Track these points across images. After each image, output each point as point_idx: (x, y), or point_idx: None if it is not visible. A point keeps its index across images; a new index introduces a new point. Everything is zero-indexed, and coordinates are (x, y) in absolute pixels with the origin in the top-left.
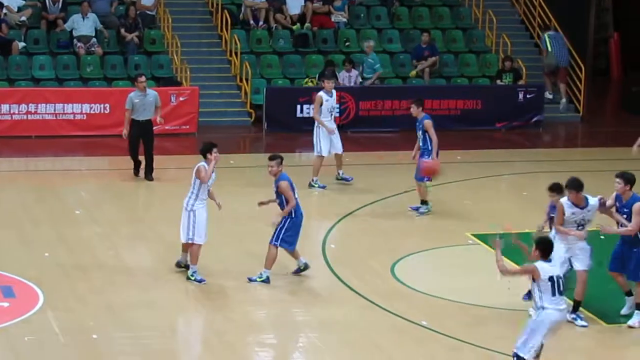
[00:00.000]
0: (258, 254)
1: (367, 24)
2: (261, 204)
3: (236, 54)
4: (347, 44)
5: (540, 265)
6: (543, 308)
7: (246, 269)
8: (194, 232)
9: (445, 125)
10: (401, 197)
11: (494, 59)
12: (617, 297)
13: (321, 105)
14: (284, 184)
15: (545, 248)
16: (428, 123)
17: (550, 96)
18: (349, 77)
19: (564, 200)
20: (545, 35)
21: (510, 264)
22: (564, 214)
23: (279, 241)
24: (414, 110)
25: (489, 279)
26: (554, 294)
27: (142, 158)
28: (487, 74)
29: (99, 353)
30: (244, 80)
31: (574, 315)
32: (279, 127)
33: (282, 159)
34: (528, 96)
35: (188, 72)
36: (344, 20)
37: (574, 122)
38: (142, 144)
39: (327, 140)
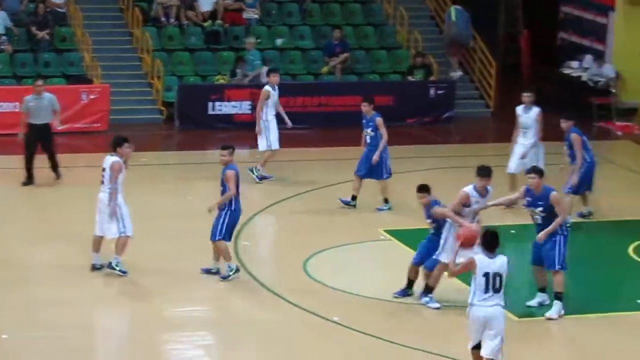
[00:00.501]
0: (170, 251)
1: (278, 20)
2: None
3: (147, 51)
4: (258, 40)
5: (480, 259)
6: (471, 305)
7: (160, 266)
8: (124, 225)
9: (357, 122)
10: (314, 193)
11: (405, 55)
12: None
13: (267, 99)
14: (229, 172)
15: (487, 241)
16: (380, 121)
17: (460, 73)
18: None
19: (469, 188)
20: (452, 8)
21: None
22: (466, 202)
23: (222, 235)
24: (366, 108)
25: (399, 274)
26: (486, 291)
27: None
28: (399, 70)
29: (7, 353)
30: (156, 78)
31: (426, 299)
32: (191, 124)
33: (233, 149)
34: (439, 92)
35: (99, 70)
36: (256, 16)
37: (485, 117)
38: (40, 147)
39: (276, 133)
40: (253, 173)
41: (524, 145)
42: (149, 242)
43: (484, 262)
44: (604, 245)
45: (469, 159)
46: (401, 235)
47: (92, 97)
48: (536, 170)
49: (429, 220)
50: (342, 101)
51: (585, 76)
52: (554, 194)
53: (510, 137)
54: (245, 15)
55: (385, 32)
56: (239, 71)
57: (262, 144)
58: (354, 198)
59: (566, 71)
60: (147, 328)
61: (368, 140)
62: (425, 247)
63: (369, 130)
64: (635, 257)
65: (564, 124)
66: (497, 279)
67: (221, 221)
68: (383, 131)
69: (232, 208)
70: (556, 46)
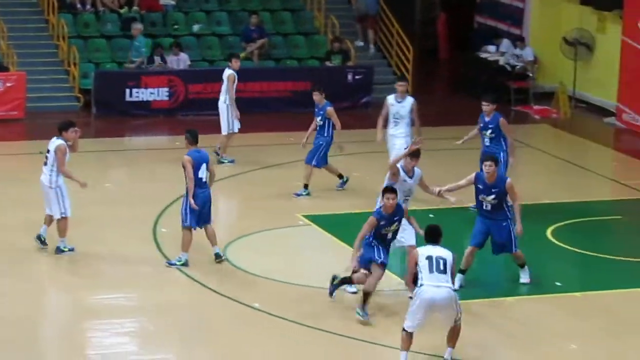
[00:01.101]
0: (89, 238)
1: (195, 6)
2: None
3: (63, 38)
4: (175, 27)
5: (421, 248)
6: (421, 285)
7: (80, 253)
8: (65, 206)
9: (275, 108)
10: (232, 179)
11: (323, 41)
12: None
13: (234, 82)
14: (185, 158)
15: (429, 233)
16: (331, 110)
17: (361, 43)
18: (177, 61)
19: (400, 164)
20: None
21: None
22: (396, 174)
23: (187, 221)
24: (317, 97)
25: (319, 259)
26: (431, 271)
27: None
28: (316, 55)
29: None
30: (72, 65)
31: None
32: (108, 111)
33: (189, 134)
34: (357, 77)
35: (15, 57)
36: (173, 3)
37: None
38: None
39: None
40: (223, 160)
41: (397, 135)
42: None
43: (424, 248)
44: (523, 229)
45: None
46: (320, 220)
47: (8, 84)
48: (493, 159)
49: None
50: (259, 87)
51: (502, 60)
52: (509, 181)
53: (428, 121)
54: (162, 1)
55: (303, 17)
56: (156, 58)
57: (226, 128)
58: (305, 186)
59: (483, 55)
60: (66, 317)
61: (318, 129)
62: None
63: (318, 119)
64: (553, 239)
65: (488, 107)
66: (441, 261)
67: (185, 208)
68: (335, 119)
69: (192, 194)
70: (473, 30)
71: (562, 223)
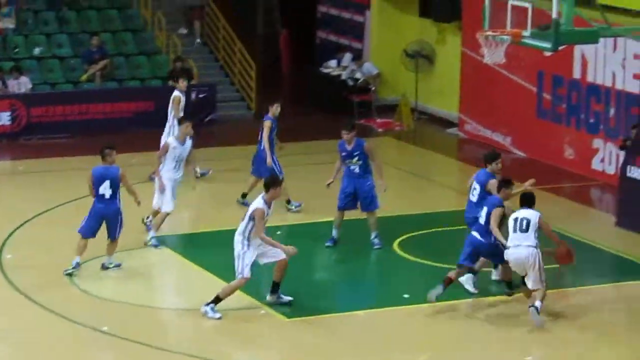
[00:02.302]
0: None
1: (35, 29)
2: None
3: None
4: (15, 50)
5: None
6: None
7: None
8: None
9: (119, 128)
10: (78, 202)
11: (165, 60)
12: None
13: (179, 103)
14: (87, 173)
15: (524, 198)
16: (266, 123)
17: (185, 31)
18: (18, 84)
19: (172, 139)
20: None
21: None
22: (166, 147)
23: (81, 229)
24: (347, 136)
25: (169, 280)
26: (514, 231)
27: None
28: (159, 75)
29: None
30: None
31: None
32: None
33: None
34: (200, 95)
35: None
36: (12, 26)
37: (247, 118)
38: None
39: None
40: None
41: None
42: None
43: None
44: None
45: (232, 161)
46: (169, 241)
47: None
48: (351, 127)
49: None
50: (102, 108)
51: (344, 74)
52: (365, 144)
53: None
54: (1, 24)
55: (144, 37)
56: (20, 81)
57: None
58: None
59: (326, 70)
60: None
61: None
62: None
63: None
64: (399, 252)
65: (348, 136)
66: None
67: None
68: (264, 133)
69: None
70: (315, 45)
71: (409, 235)
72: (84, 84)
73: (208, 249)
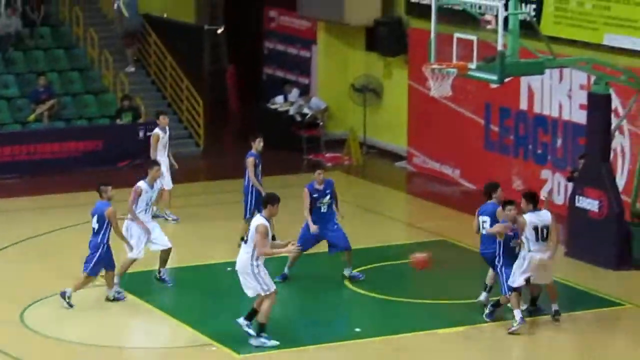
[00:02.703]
0: None
1: None
2: None
3: None
4: None
5: (528, 216)
6: (529, 250)
7: None
8: None
9: (67, 168)
10: (29, 242)
11: (113, 99)
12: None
13: (158, 142)
14: None
15: (530, 196)
16: (249, 160)
17: (132, 69)
18: None
19: (142, 183)
20: (120, 2)
21: None
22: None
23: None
24: (320, 176)
25: (119, 319)
26: (537, 240)
27: None
28: (107, 113)
29: None
30: None
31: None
32: None
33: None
34: (148, 133)
35: None
36: None
37: (196, 155)
38: None
39: (167, 174)
40: (167, 218)
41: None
42: None
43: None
44: (321, 276)
45: (179, 199)
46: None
47: None
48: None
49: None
50: (50, 148)
51: (292, 110)
52: (334, 182)
53: (221, 175)
54: None
55: (91, 76)
56: None
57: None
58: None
59: (273, 106)
60: None
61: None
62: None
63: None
64: (350, 286)
65: (321, 176)
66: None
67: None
68: (249, 171)
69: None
70: (262, 81)
71: (359, 269)
72: (32, 124)
73: (160, 287)
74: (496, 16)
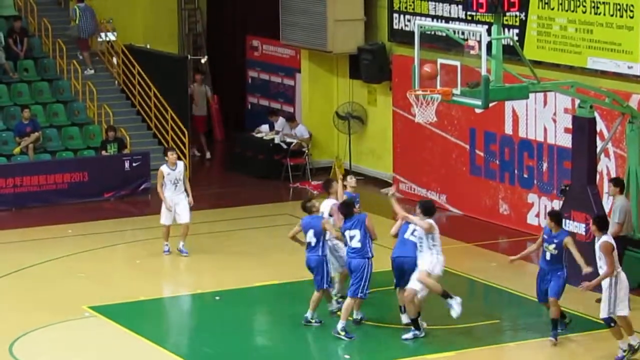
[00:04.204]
0: None
1: None
2: None
3: None
4: None
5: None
6: (619, 272)
7: None
8: None
9: (53, 200)
10: (17, 274)
11: (97, 130)
12: None
13: (162, 177)
14: None
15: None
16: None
17: (92, 71)
18: None
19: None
20: (76, 7)
21: None
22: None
23: None
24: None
25: (107, 353)
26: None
27: None
28: (92, 145)
29: None
30: None
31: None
32: None
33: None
34: (134, 164)
35: None
36: None
37: None
38: None
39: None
40: (182, 252)
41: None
42: None
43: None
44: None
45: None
46: (106, 311)
47: None
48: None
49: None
50: (37, 181)
51: (277, 138)
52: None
53: (207, 204)
54: None
55: (75, 108)
56: None
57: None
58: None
59: (258, 135)
60: None
61: None
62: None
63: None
64: (339, 313)
65: None
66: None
67: None
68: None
69: None
70: (247, 110)
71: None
72: (17, 157)
73: (148, 318)
74: (479, 41)
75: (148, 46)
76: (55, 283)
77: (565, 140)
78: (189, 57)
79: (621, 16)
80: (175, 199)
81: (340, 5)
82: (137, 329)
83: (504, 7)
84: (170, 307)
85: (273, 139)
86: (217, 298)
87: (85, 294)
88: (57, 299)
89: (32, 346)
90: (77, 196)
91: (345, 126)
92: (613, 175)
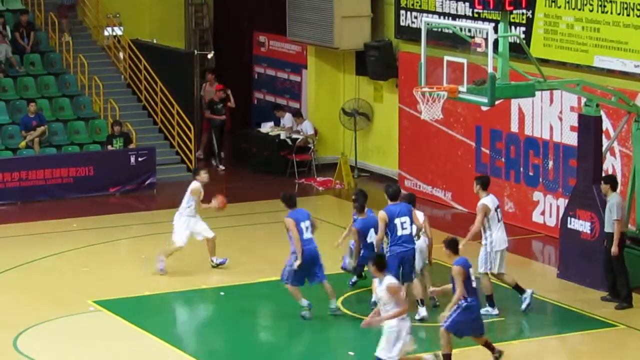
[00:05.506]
0: None
1: None
2: None
3: None
4: None
5: None
6: None
7: None
8: None
9: (58, 194)
10: (22, 268)
11: (103, 125)
12: None
13: (199, 196)
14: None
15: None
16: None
17: (69, 38)
18: None
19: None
20: None
21: None
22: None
23: None
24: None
25: (113, 346)
26: None
27: None
28: (98, 140)
29: None
30: None
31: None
32: None
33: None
34: (140, 159)
35: None
36: None
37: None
38: None
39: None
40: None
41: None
42: None
43: None
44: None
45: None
46: (111, 306)
47: None
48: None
49: None
50: (42, 175)
51: (283, 134)
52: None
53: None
54: None
55: (81, 102)
56: None
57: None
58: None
59: (264, 130)
60: None
61: None
62: None
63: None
64: (344, 309)
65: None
66: None
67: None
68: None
69: None
70: (253, 106)
71: (352, 292)
72: (23, 151)
73: (153, 313)
74: (486, 39)
75: (154, 41)
76: (60, 277)
77: (571, 139)
78: (196, 52)
79: (628, 15)
80: (196, 217)
81: (347, 1)
82: (141, 324)
83: (510, 5)
84: (174, 302)
85: (279, 135)
86: (222, 293)
87: (90, 289)
88: (62, 293)
89: (36, 340)
90: (82, 191)
91: (351, 123)
92: (619, 174)
